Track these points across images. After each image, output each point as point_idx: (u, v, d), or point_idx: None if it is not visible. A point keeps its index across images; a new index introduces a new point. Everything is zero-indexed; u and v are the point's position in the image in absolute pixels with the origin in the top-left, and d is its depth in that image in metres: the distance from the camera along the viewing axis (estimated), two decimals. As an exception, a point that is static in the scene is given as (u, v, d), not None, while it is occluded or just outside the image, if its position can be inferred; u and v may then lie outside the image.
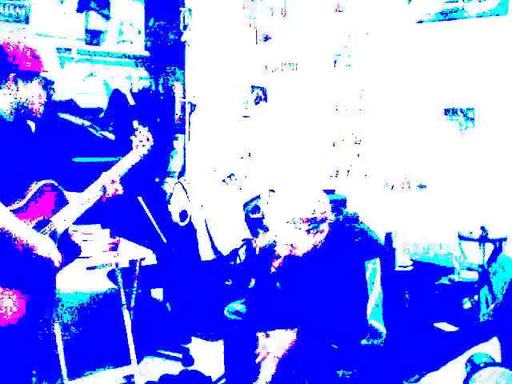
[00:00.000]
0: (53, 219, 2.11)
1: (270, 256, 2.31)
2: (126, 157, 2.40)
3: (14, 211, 1.99)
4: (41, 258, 2.00)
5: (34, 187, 2.07)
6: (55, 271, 2.13)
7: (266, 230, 2.26)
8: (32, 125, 2.25)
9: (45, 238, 2.04)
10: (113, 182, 2.27)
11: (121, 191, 2.30)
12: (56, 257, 2.04)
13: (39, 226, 2.08)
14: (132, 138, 2.44)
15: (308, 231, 2.12)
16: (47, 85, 2.12)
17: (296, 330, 2.17)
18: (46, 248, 2.01)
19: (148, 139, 2.48)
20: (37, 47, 2.05)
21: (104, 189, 2.25)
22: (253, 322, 2.30)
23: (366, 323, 2.10)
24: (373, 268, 2.14)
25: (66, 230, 2.16)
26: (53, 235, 2.10)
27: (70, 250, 2.18)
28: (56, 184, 2.15)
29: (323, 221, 2.14)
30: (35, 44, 2.06)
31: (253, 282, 2.49)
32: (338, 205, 2.35)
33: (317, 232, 2.14)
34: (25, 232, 1.97)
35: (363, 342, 2.09)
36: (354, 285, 2.10)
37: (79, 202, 2.20)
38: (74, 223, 2.20)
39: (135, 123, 2.46)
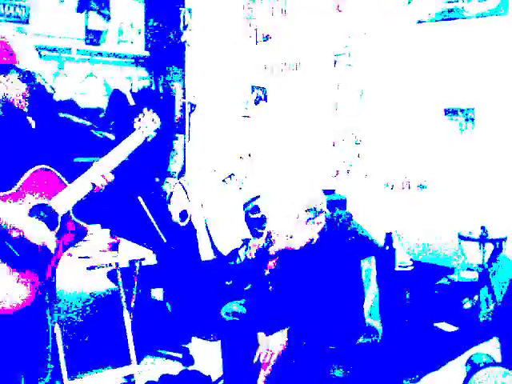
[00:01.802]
0: (51, 202, 2.10)
1: (264, 258, 2.32)
2: (119, 147, 2.34)
3: (7, 196, 1.99)
4: (35, 246, 2.00)
5: (28, 172, 2.07)
6: (53, 254, 2.10)
7: (264, 230, 2.28)
8: (32, 123, 2.25)
9: (37, 225, 2.03)
10: (102, 175, 2.24)
11: (110, 178, 2.27)
12: (51, 243, 2.02)
13: (36, 210, 2.07)
14: (135, 120, 2.42)
15: (307, 221, 2.15)
16: (26, 77, 2.11)
17: (293, 330, 2.17)
18: (38, 235, 2.01)
19: (153, 120, 2.45)
20: (8, 39, 2.06)
21: (93, 183, 2.22)
22: (249, 323, 2.31)
23: (363, 321, 2.11)
24: (368, 266, 2.15)
25: (68, 212, 2.15)
26: (52, 218, 2.09)
27: (73, 231, 2.17)
28: (51, 168, 2.14)
29: (320, 212, 2.19)
30: (6, 36, 2.06)
31: (249, 286, 2.49)
32: (338, 205, 2.36)
33: (314, 223, 2.16)
34: (16, 221, 1.97)
35: (360, 339, 2.10)
36: (349, 283, 2.11)
37: (80, 182, 2.19)
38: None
39: (145, 112, 2.44)
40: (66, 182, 2.17)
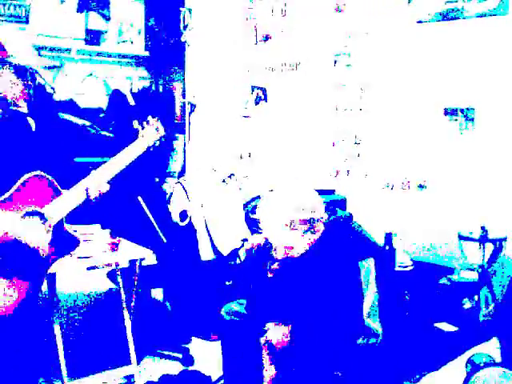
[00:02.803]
0: (44, 210, 2.08)
1: (264, 258, 2.31)
2: (130, 147, 2.33)
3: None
4: (28, 247, 1.98)
5: (21, 179, 2.05)
6: (45, 261, 2.09)
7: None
8: (32, 124, 2.24)
9: (33, 226, 2.01)
10: (97, 186, 2.23)
11: (104, 190, 2.24)
12: (42, 246, 2.00)
13: (28, 217, 2.05)
14: (139, 127, 2.38)
15: (305, 232, 2.13)
16: (21, 71, 2.08)
17: (292, 330, 2.17)
18: (31, 237, 1.99)
19: (158, 129, 2.42)
20: None
21: (87, 191, 2.19)
22: (249, 323, 2.30)
23: (362, 323, 2.10)
24: (367, 268, 2.13)
25: (61, 221, 2.13)
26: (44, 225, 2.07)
27: (65, 241, 2.15)
28: (46, 175, 2.11)
29: (318, 220, 2.15)
30: None
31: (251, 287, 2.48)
32: (338, 205, 2.35)
33: (313, 232, 2.14)
34: (7, 222, 1.95)
35: (359, 341, 2.09)
36: (348, 285, 2.10)
37: (74, 191, 2.16)
38: (73, 223, 2.18)
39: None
40: (60, 189, 2.15)
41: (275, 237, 2.16)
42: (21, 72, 2.09)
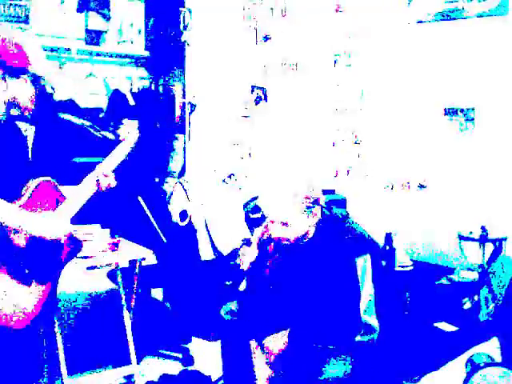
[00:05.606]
0: (56, 212, 2.10)
1: (259, 263, 2.32)
2: (117, 149, 2.37)
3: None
4: (50, 246, 2.00)
5: (32, 184, 2.06)
6: (62, 264, 2.11)
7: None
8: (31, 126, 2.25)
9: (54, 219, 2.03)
10: (105, 175, 2.25)
11: (114, 184, 2.27)
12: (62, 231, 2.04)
13: None
14: (118, 131, 2.42)
15: (303, 210, 2.15)
16: (36, 81, 2.11)
17: (289, 329, 2.17)
18: (55, 230, 2.01)
19: (136, 130, 2.46)
20: (22, 42, 2.04)
21: (97, 182, 2.22)
22: (247, 322, 2.30)
23: (360, 319, 2.11)
24: (363, 264, 2.14)
25: None
26: None
27: (71, 245, 2.17)
28: (52, 180, 2.13)
29: (317, 202, 2.18)
30: (20, 39, 2.04)
31: (243, 285, 2.48)
32: (338, 205, 2.36)
33: (310, 214, 2.16)
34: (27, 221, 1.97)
35: (357, 338, 2.10)
36: (345, 281, 2.11)
37: (76, 196, 2.18)
38: (73, 223, 2.19)
39: (125, 121, 2.45)
40: (63, 193, 2.17)
41: (276, 210, 2.18)
42: (35, 80, 2.11)
